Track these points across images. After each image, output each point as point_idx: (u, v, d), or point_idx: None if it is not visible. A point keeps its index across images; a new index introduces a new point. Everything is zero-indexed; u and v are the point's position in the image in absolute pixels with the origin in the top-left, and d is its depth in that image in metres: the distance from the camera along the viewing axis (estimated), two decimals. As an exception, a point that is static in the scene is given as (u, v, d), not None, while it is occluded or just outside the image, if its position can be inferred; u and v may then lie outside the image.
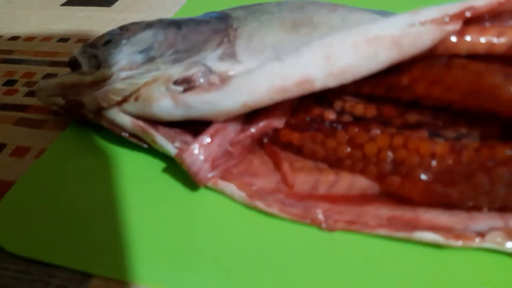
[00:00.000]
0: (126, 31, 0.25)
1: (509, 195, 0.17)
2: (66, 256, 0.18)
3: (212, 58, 0.22)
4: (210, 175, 0.20)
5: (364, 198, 0.19)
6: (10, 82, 0.31)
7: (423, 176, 0.18)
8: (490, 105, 0.17)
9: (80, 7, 0.42)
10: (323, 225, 0.18)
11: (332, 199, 0.19)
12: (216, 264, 0.18)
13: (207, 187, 0.21)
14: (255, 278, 0.17)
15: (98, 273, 0.18)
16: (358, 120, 0.20)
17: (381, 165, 0.19)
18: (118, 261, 0.18)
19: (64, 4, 0.43)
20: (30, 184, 0.22)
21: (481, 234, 0.17)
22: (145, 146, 0.22)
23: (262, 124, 0.21)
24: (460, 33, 0.17)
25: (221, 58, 0.22)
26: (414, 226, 0.18)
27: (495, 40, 0.17)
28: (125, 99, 0.22)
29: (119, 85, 0.22)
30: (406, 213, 0.19)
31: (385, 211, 0.19)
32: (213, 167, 0.20)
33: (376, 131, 0.20)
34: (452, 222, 0.18)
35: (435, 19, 0.17)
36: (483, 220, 0.18)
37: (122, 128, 0.22)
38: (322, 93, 0.21)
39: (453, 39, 0.17)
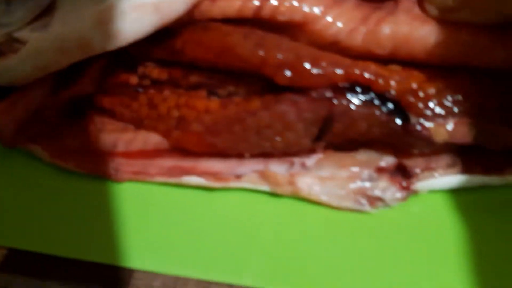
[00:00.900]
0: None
1: (262, 141, 0.20)
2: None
3: (24, 30, 0.23)
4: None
5: (156, 152, 0.22)
6: None
7: (197, 129, 0.21)
8: (235, 62, 0.19)
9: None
10: (113, 177, 0.21)
11: (128, 154, 0.22)
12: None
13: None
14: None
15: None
16: (155, 83, 0.23)
17: (169, 122, 0.22)
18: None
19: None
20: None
21: (239, 176, 0.20)
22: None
23: (70, 88, 0.23)
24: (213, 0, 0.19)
25: (33, 29, 0.24)
26: (189, 172, 0.21)
27: (243, 4, 0.19)
28: None
29: None
30: (187, 162, 0.21)
31: (169, 162, 0.21)
32: (22, 130, 0.22)
33: (167, 92, 0.22)
34: (223, 168, 0.21)
35: None
36: (248, 165, 0.21)
37: None
38: (128, 59, 0.23)
39: (207, 4, 0.19)
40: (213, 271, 0.18)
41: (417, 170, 0.20)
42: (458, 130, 0.19)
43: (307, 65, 0.19)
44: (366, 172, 0.20)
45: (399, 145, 0.20)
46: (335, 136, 0.20)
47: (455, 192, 0.20)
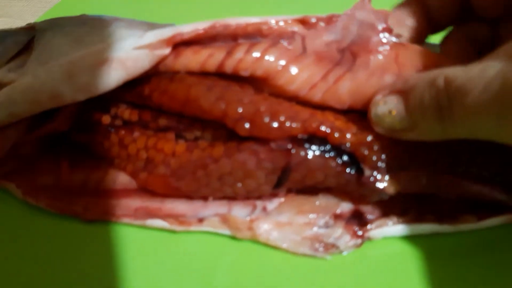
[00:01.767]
0: None
1: (224, 187, 0.21)
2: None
3: (1, 70, 0.24)
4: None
5: (123, 192, 0.23)
6: None
7: (163, 172, 0.21)
8: (198, 113, 0.20)
9: None
10: (81, 216, 0.22)
11: (96, 194, 0.23)
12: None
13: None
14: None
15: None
16: (126, 124, 0.23)
17: (137, 163, 0.22)
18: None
19: None
20: None
21: (201, 220, 0.21)
22: None
23: (46, 126, 0.24)
24: (177, 55, 0.20)
25: (11, 69, 0.24)
26: (154, 214, 0.21)
27: (205, 60, 0.20)
28: None
29: None
30: (153, 203, 0.22)
31: (136, 203, 0.22)
32: (-4, 167, 0.23)
33: (137, 133, 0.23)
34: (187, 210, 0.22)
35: (150, 44, 0.20)
36: (212, 208, 0.22)
37: None
38: (101, 99, 0.24)
39: (170, 59, 0.20)
40: None
41: (372, 217, 0.21)
42: (410, 182, 0.20)
43: (266, 119, 0.19)
44: (322, 219, 0.21)
45: (355, 194, 0.21)
46: (294, 183, 0.21)
47: (409, 238, 0.21)
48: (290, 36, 0.21)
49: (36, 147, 0.24)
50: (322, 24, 0.20)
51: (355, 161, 0.20)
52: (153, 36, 0.20)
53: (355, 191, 0.20)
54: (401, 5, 0.22)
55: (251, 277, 0.20)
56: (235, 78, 0.21)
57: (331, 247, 0.20)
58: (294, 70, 0.20)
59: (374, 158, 0.20)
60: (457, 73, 0.17)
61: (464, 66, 0.17)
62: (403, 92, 0.19)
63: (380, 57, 0.20)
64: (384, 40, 0.20)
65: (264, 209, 0.21)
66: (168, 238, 0.21)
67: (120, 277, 0.20)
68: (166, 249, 0.21)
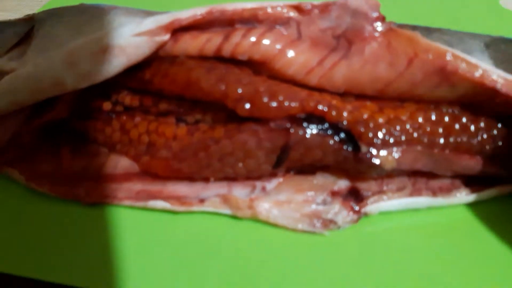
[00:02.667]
0: None
1: (225, 167, 0.21)
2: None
3: (2, 58, 0.24)
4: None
5: (125, 176, 0.23)
6: None
7: (165, 155, 0.22)
8: (199, 95, 0.21)
9: None
10: (82, 200, 0.22)
11: (98, 178, 0.23)
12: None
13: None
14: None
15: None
16: (127, 109, 0.24)
17: (139, 147, 0.23)
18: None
19: None
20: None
21: (202, 200, 0.21)
22: None
23: (46, 114, 0.24)
24: (175, 40, 0.21)
25: (11, 58, 0.25)
26: (156, 196, 0.22)
27: (203, 45, 0.21)
28: None
29: None
30: (154, 186, 0.22)
31: (137, 186, 0.22)
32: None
33: (138, 118, 0.23)
34: (188, 192, 0.22)
35: (149, 31, 0.20)
36: (212, 189, 0.22)
37: None
38: (102, 86, 0.24)
39: (169, 44, 0.21)
40: None
41: (368, 193, 0.21)
42: (406, 157, 0.21)
43: (265, 99, 0.20)
44: (320, 196, 0.21)
45: (352, 170, 0.21)
46: (293, 162, 0.21)
47: (405, 213, 0.22)
48: (286, 21, 0.21)
49: (38, 135, 0.24)
50: (316, 11, 0.21)
51: (352, 138, 0.20)
52: (151, 22, 0.20)
53: (353, 167, 0.21)
54: None
55: (252, 255, 0.20)
56: (234, 62, 0.22)
57: (329, 223, 0.21)
58: (290, 54, 0.21)
59: (371, 135, 0.20)
60: None
61: None
62: None
63: (374, 45, 0.21)
64: (378, 29, 0.21)
65: (264, 189, 0.22)
66: (169, 220, 0.21)
67: (121, 258, 0.20)
68: (167, 230, 0.21)
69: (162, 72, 0.21)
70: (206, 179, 0.22)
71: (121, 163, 0.23)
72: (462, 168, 0.21)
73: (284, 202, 0.21)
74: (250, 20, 0.21)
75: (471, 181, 0.22)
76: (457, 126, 0.21)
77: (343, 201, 0.21)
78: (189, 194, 0.22)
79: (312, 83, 0.21)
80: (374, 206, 0.21)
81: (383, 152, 0.20)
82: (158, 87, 0.22)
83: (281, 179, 0.22)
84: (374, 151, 0.20)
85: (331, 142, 0.20)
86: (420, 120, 0.21)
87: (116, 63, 0.21)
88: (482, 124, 0.21)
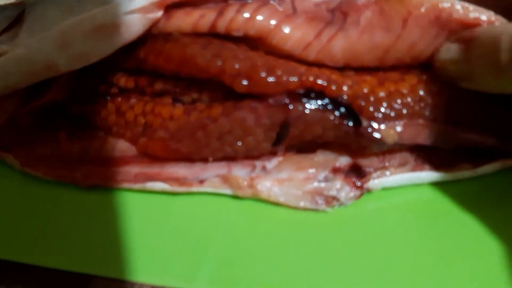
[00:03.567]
0: None
1: (224, 146, 0.21)
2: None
3: (-7, 42, 0.24)
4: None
5: (123, 159, 0.23)
6: None
7: (162, 136, 0.22)
8: (195, 72, 0.20)
9: None
10: (80, 183, 0.22)
11: (96, 162, 0.23)
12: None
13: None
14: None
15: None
16: (122, 91, 0.23)
17: (135, 129, 0.22)
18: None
19: None
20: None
21: (202, 181, 0.21)
22: None
23: (41, 97, 0.23)
24: (168, 17, 0.20)
25: (2, 41, 0.24)
26: (154, 178, 0.22)
27: (197, 21, 0.20)
28: None
29: None
30: (153, 169, 0.22)
31: (136, 169, 0.22)
32: (-6, 139, 0.23)
33: (134, 100, 0.23)
34: (188, 173, 0.22)
35: (142, 8, 0.20)
36: (212, 170, 0.22)
37: None
38: (96, 67, 0.24)
39: (162, 21, 0.20)
40: (169, 276, 0.19)
41: (371, 169, 0.21)
42: (408, 131, 0.20)
43: (263, 74, 0.20)
44: (322, 173, 0.21)
45: (353, 146, 0.21)
46: (293, 140, 0.21)
47: (408, 189, 0.22)
48: (279, -4, 0.21)
49: (33, 119, 0.24)
50: None
51: (353, 112, 0.20)
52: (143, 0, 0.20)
53: (354, 142, 0.20)
54: None
55: (253, 235, 0.20)
56: (230, 38, 0.21)
57: (332, 200, 0.20)
58: (286, 29, 0.20)
59: (371, 109, 0.20)
60: None
61: None
62: (467, 41, 0.19)
63: (368, 14, 0.20)
64: None
65: (264, 168, 0.22)
66: (168, 202, 0.21)
67: (121, 241, 0.20)
68: (166, 212, 0.21)
69: (157, 50, 0.21)
70: (205, 160, 0.22)
71: (118, 145, 0.23)
72: (464, 140, 0.21)
73: (285, 180, 0.21)
74: (244, -5, 0.21)
75: (474, 156, 0.22)
76: (458, 99, 0.20)
77: (345, 178, 0.21)
78: (188, 176, 0.21)
79: (310, 58, 0.21)
80: (377, 181, 0.21)
81: (384, 126, 0.20)
82: (153, 66, 0.21)
83: (281, 158, 0.22)
84: (375, 125, 0.20)
85: (331, 117, 0.20)
86: (421, 93, 0.20)
87: (110, 42, 0.20)
88: (484, 98, 0.20)
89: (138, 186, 0.21)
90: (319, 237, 0.20)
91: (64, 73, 0.22)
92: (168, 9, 0.21)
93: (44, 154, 0.23)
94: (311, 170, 0.21)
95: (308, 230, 0.20)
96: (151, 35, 0.21)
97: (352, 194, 0.20)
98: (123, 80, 0.23)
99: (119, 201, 0.21)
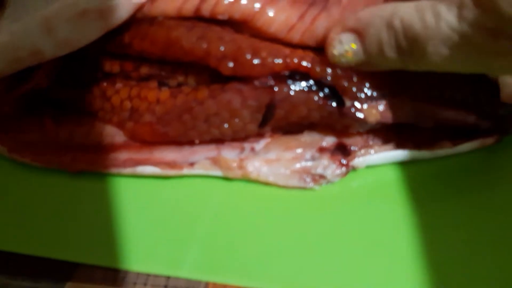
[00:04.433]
0: None
1: (211, 128, 0.21)
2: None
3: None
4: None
5: (111, 144, 0.23)
6: None
7: (149, 119, 0.22)
8: (180, 55, 0.20)
9: None
10: (68, 168, 0.22)
11: (84, 148, 0.23)
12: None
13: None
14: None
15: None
16: (108, 76, 0.23)
17: (122, 114, 0.22)
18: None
19: None
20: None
21: (192, 164, 0.21)
22: None
23: (26, 83, 0.23)
24: (153, 1, 0.20)
25: (-15, 28, 0.24)
26: (144, 163, 0.22)
27: (181, 4, 0.20)
28: None
29: None
30: (142, 154, 0.22)
31: (124, 154, 0.22)
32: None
33: (119, 84, 0.23)
34: (177, 157, 0.22)
35: None
36: (201, 152, 0.22)
37: None
38: (82, 53, 0.23)
39: (147, 5, 0.20)
40: (154, 262, 0.19)
41: (355, 148, 0.22)
42: (389, 110, 0.21)
43: (248, 56, 0.20)
44: (309, 153, 0.21)
45: (338, 126, 0.21)
46: (279, 121, 0.21)
47: (391, 167, 0.22)
48: (263, -21, 0.21)
49: (19, 106, 0.24)
50: None
51: (336, 93, 0.20)
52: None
53: (338, 122, 0.21)
54: None
55: (241, 216, 0.20)
56: (215, 21, 0.21)
57: (319, 178, 0.21)
58: (270, 12, 0.20)
59: (354, 89, 0.20)
60: (412, 18, 0.17)
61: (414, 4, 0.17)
62: (358, 31, 0.19)
63: None
64: None
65: (252, 149, 0.22)
66: (157, 186, 0.21)
67: (106, 228, 0.20)
68: (156, 196, 0.21)
69: (141, 34, 0.21)
70: (192, 143, 0.22)
71: (106, 130, 0.23)
72: (444, 118, 0.21)
73: (274, 160, 0.21)
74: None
75: (454, 134, 0.23)
76: (438, 79, 0.21)
77: (331, 156, 0.21)
78: (178, 159, 0.22)
79: (295, 40, 0.21)
80: (362, 159, 0.21)
81: (366, 106, 0.21)
82: (138, 50, 0.21)
83: (269, 139, 0.22)
84: (358, 105, 0.20)
85: (316, 98, 0.20)
86: (401, 73, 0.21)
87: (94, 27, 0.20)
88: (462, 78, 0.21)
89: (128, 170, 0.21)
90: (307, 215, 0.21)
91: (51, 58, 0.22)
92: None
93: (31, 140, 0.23)
94: (299, 150, 0.22)
95: (296, 209, 0.21)
96: (135, 19, 0.21)
97: (338, 172, 0.21)
98: (108, 65, 0.23)
99: (106, 187, 0.21)
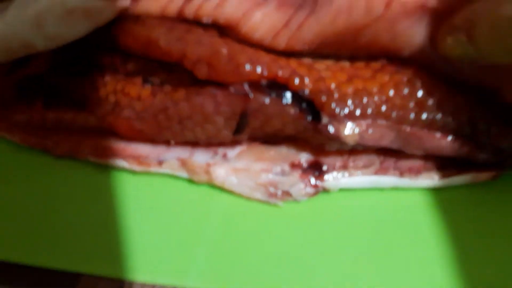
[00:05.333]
0: None
1: (185, 131, 0.21)
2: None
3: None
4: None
5: (92, 133, 0.23)
6: None
7: (128, 115, 0.22)
8: (159, 55, 0.20)
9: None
10: (51, 151, 0.22)
11: (68, 133, 0.23)
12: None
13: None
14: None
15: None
16: (98, 67, 0.24)
17: (105, 106, 0.23)
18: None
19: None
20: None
21: (161, 162, 0.21)
22: None
23: (25, 69, 0.24)
24: (135, 1, 0.20)
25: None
26: (118, 154, 0.22)
27: (165, 5, 0.20)
28: None
29: None
30: (119, 144, 0.22)
31: (103, 143, 0.23)
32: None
33: (108, 77, 0.23)
34: (150, 152, 0.22)
35: None
36: (174, 152, 0.22)
37: None
38: (77, 44, 0.24)
39: (131, 5, 0.20)
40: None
41: (330, 169, 0.20)
42: (371, 132, 0.19)
43: (224, 62, 0.19)
44: (279, 167, 0.21)
45: (313, 142, 0.20)
46: (255, 130, 0.21)
47: (367, 192, 0.21)
48: (250, -19, 0.20)
49: (14, 90, 0.25)
50: None
51: (314, 108, 0.19)
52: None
53: (313, 139, 0.20)
54: None
55: (204, 220, 0.20)
56: (201, 24, 0.21)
57: (284, 194, 0.20)
58: (255, 18, 0.20)
59: (333, 105, 0.19)
60: None
61: None
62: (468, 30, 0.18)
63: None
64: None
65: (225, 156, 0.22)
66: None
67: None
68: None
69: (126, 31, 0.21)
70: (169, 143, 0.22)
71: (90, 120, 0.23)
72: (433, 147, 0.20)
73: (242, 169, 0.21)
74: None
75: (445, 165, 0.21)
76: (430, 102, 0.19)
77: (302, 174, 0.20)
78: (151, 155, 0.22)
79: (281, 47, 0.20)
80: (335, 182, 0.20)
81: (346, 125, 0.19)
82: (123, 46, 0.21)
83: (245, 147, 0.22)
84: (335, 123, 0.19)
85: (291, 111, 0.19)
86: (391, 93, 0.20)
87: (82, 26, 0.20)
88: (458, 102, 0.19)
89: (101, 161, 0.22)
90: (269, 228, 0.20)
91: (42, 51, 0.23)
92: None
93: (21, 121, 0.24)
94: (269, 162, 0.21)
95: (259, 221, 0.20)
96: (122, 16, 0.21)
97: (304, 192, 0.20)
98: (99, 57, 0.23)
99: (84, 172, 0.22)
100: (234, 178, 0.20)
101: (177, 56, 0.20)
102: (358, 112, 0.19)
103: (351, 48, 0.20)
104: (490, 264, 0.19)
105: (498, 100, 0.20)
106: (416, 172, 0.21)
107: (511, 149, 0.20)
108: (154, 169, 0.21)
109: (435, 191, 0.21)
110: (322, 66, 0.21)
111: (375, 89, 0.20)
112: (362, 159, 0.21)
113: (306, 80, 0.19)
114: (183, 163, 0.21)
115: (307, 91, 0.19)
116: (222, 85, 0.20)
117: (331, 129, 0.19)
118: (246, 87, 0.20)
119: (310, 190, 0.20)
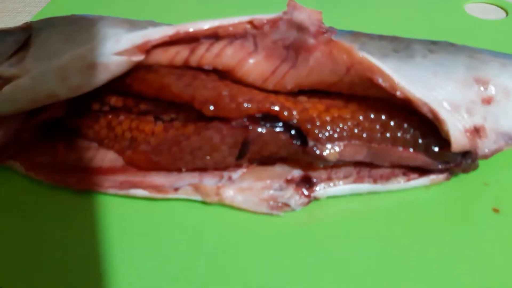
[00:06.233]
0: None
1: (195, 160, 0.25)
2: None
3: (3, 65, 0.28)
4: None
5: (111, 168, 0.27)
6: None
7: (145, 149, 0.25)
8: (171, 98, 0.24)
9: None
10: (74, 187, 0.26)
11: (89, 170, 0.27)
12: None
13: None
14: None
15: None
16: (113, 109, 0.27)
17: (122, 143, 0.26)
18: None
19: None
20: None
21: (177, 189, 0.25)
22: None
23: (44, 113, 0.27)
24: (149, 53, 0.24)
25: (11, 65, 0.28)
26: (137, 186, 0.25)
27: (172, 57, 0.24)
28: None
29: None
30: (136, 177, 0.26)
31: (121, 177, 0.26)
32: (3, 150, 0.27)
33: (122, 117, 0.27)
34: (165, 182, 0.26)
35: (126, 50, 0.23)
36: (186, 179, 0.26)
37: None
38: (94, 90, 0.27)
39: (144, 57, 0.24)
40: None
41: (318, 181, 0.25)
42: (347, 150, 0.24)
43: (227, 101, 0.23)
44: (277, 183, 0.25)
45: (303, 161, 0.25)
46: (254, 154, 0.25)
47: (350, 198, 0.26)
48: (243, 35, 0.24)
49: (36, 132, 0.28)
50: (267, 26, 0.24)
51: (301, 134, 0.24)
52: (127, 41, 0.23)
53: (303, 158, 0.24)
54: None
55: (218, 233, 0.24)
56: (202, 70, 0.25)
57: (284, 206, 0.24)
58: (248, 66, 0.24)
59: (317, 131, 0.24)
60: None
61: None
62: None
63: (318, 54, 0.24)
64: (319, 40, 0.23)
65: (230, 178, 0.26)
66: (147, 207, 0.25)
67: (103, 239, 0.24)
68: (146, 216, 0.25)
69: (140, 78, 0.25)
70: (180, 170, 0.26)
71: (108, 156, 0.27)
72: (397, 159, 0.25)
73: (246, 189, 0.25)
74: (213, 36, 0.24)
75: (409, 171, 0.26)
76: (392, 123, 0.24)
77: (296, 187, 0.25)
78: (165, 184, 0.25)
79: (269, 88, 0.25)
80: (322, 191, 0.25)
81: (327, 146, 0.24)
82: (137, 90, 0.25)
83: (245, 170, 0.26)
84: (319, 145, 0.24)
85: (283, 137, 0.24)
86: (361, 118, 0.24)
87: (101, 77, 0.24)
88: (413, 122, 0.24)
89: (122, 192, 0.25)
90: (273, 236, 0.24)
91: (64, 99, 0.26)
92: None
93: (45, 162, 0.27)
94: (268, 181, 0.25)
95: (264, 231, 0.24)
96: (135, 66, 0.25)
97: (300, 202, 0.24)
98: (113, 100, 0.27)
99: (106, 203, 0.25)
100: (241, 196, 0.25)
101: (188, 99, 0.24)
102: (336, 135, 0.24)
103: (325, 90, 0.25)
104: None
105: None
106: (386, 178, 0.25)
107: (454, 159, 0.25)
108: (171, 195, 0.25)
109: (401, 192, 0.26)
110: (304, 98, 0.25)
111: (348, 116, 0.24)
112: (343, 171, 0.26)
113: (294, 112, 0.24)
114: (196, 188, 0.25)
115: (295, 121, 0.24)
116: (225, 120, 0.24)
117: (316, 150, 0.24)
118: (245, 120, 0.24)
119: (304, 200, 0.24)
